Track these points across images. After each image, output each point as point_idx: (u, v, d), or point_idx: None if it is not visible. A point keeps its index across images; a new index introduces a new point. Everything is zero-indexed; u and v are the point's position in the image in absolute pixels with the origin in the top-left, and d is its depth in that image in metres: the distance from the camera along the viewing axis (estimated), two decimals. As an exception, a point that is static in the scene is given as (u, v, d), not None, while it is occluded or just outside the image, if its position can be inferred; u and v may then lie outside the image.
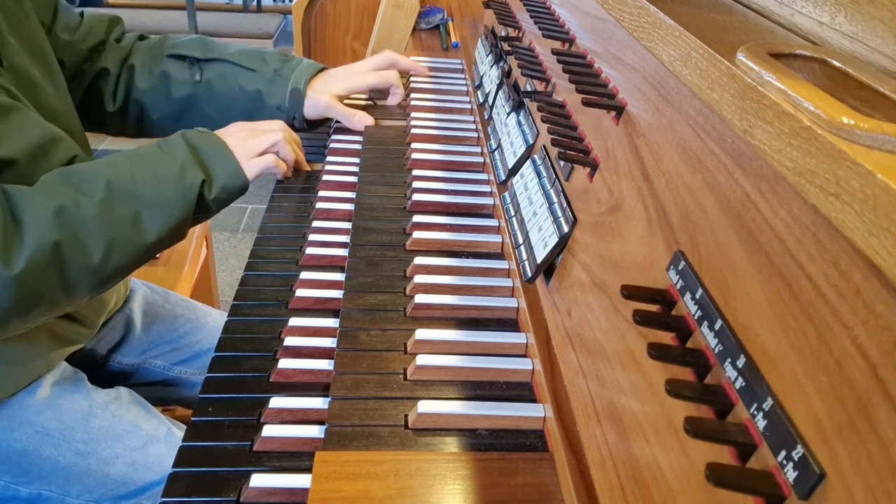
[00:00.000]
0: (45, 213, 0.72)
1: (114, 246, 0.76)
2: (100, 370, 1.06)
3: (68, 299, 0.77)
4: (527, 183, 0.78)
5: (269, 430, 0.62)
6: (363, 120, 1.14)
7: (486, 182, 0.97)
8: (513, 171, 0.84)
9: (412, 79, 1.27)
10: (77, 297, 0.78)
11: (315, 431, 0.62)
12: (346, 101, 1.14)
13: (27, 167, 0.76)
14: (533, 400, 0.64)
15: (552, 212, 0.70)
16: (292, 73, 1.06)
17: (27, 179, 0.75)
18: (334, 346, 0.69)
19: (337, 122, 1.17)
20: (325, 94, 1.07)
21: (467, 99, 1.22)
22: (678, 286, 0.46)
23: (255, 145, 0.91)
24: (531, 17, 0.87)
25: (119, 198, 0.77)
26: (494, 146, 0.95)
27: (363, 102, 1.22)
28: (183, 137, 0.85)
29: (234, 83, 1.05)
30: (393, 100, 1.21)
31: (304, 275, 0.82)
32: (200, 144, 0.86)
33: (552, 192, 0.72)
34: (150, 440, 0.90)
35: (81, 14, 1.02)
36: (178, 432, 0.93)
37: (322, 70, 1.10)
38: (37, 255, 0.71)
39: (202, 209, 0.85)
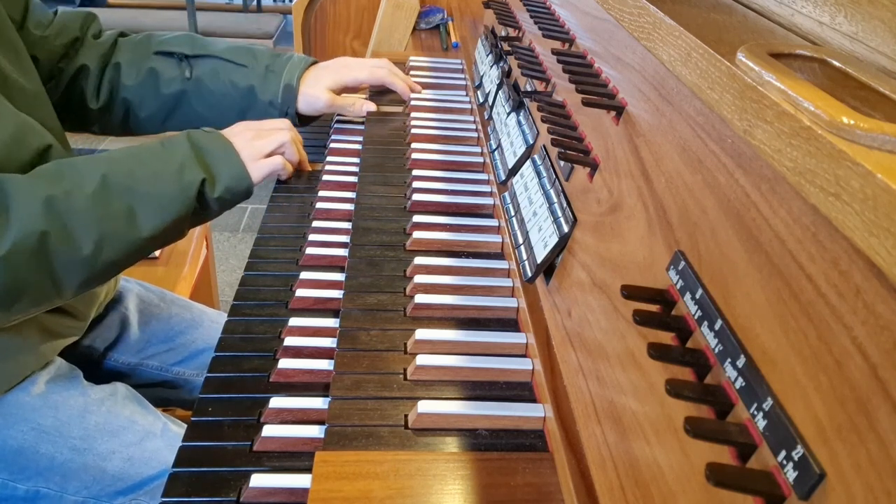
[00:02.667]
0: (34, 201, 0.72)
1: (105, 240, 0.76)
2: (97, 369, 1.06)
3: (57, 292, 0.77)
4: (527, 183, 0.78)
5: (269, 430, 0.62)
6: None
7: (486, 182, 0.97)
8: (513, 171, 0.84)
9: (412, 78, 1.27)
10: (67, 290, 0.78)
11: (315, 431, 0.62)
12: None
13: (1, 157, 0.75)
14: (533, 400, 0.64)
15: (552, 212, 0.70)
16: (284, 69, 1.06)
17: (2, 169, 0.74)
18: (334, 346, 0.69)
19: (337, 121, 1.17)
20: (319, 88, 1.07)
21: (467, 99, 1.22)
22: (678, 286, 0.46)
23: (262, 146, 0.91)
24: (531, 17, 0.87)
25: (114, 192, 0.77)
26: (494, 146, 0.95)
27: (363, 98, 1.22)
28: (187, 137, 0.85)
29: (226, 79, 1.05)
30: (403, 96, 1.19)
31: (304, 275, 0.82)
32: (205, 144, 0.85)
33: (552, 192, 0.72)
34: (147, 435, 0.90)
35: (55, 12, 1.01)
36: (174, 427, 0.93)
37: (313, 63, 1.10)
38: (21, 242, 0.70)
39: (204, 209, 0.85)
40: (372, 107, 1.14)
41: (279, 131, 0.95)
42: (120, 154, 0.82)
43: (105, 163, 0.79)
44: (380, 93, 1.23)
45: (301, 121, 1.10)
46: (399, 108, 1.18)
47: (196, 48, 1.06)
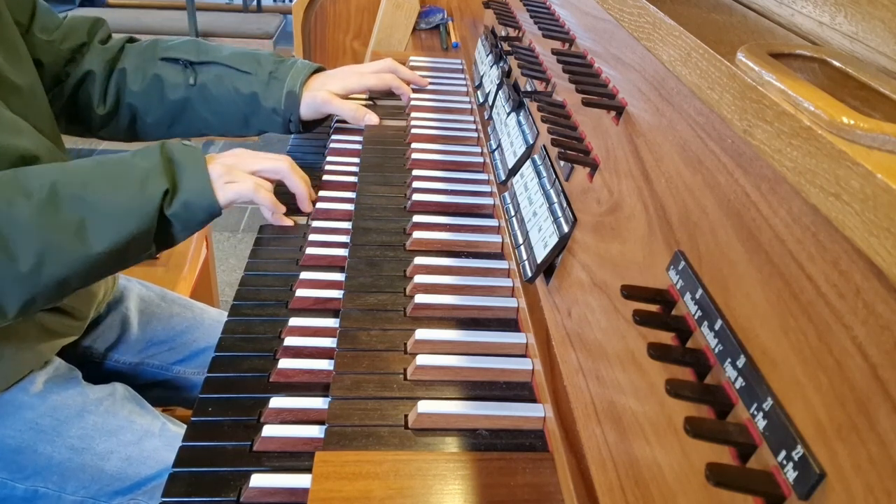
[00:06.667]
0: None
1: (48, 254, 0.71)
2: (97, 369, 1.06)
3: None
4: (527, 183, 0.78)
5: (269, 430, 0.62)
6: (367, 116, 1.12)
7: (486, 182, 0.97)
8: (513, 171, 0.84)
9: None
10: (8, 307, 0.72)
11: (315, 431, 0.62)
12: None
13: None
14: (533, 400, 0.64)
15: (552, 212, 0.70)
16: (287, 75, 1.05)
17: None
18: (334, 346, 0.69)
19: (337, 121, 1.17)
20: (322, 90, 1.06)
21: (467, 99, 1.22)
22: (678, 286, 0.46)
23: (240, 173, 0.85)
24: (531, 17, 0.87)
25: (63, 202, 0.72)
26: (494, 146, 0.95)
27: (364, 102, 1.22)
28: (161, 147, 0.81)
29: (230, 86, 1.04)
30: (404, 98, 1.19)
31: (304, 275, 0.82)
32: (177, 156, 0.81)
33: (552, 192, 0.72)
34: (145, 435, 0.90)
35: (64, 17, 1.01)
36: (172, 427, 0.93)
37: (318, 70, 1.09)
38: None
39: (167, 226, 0.79)
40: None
41: (272, 162, 0.90)
42: (84, 162, 0.78)
43: (61, 170, 0.74)
44: (381, 94, 1.23)
45: (304, 127, 1.10)
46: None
47: (201, 55, 1.05)
